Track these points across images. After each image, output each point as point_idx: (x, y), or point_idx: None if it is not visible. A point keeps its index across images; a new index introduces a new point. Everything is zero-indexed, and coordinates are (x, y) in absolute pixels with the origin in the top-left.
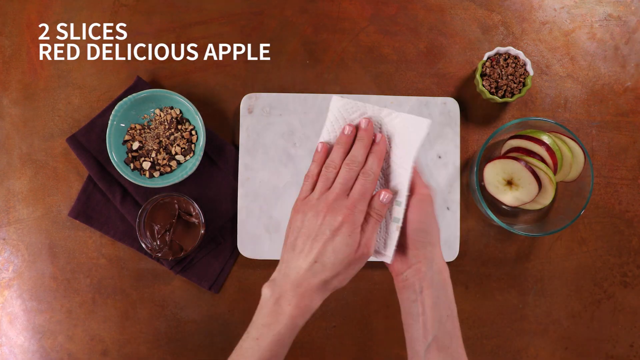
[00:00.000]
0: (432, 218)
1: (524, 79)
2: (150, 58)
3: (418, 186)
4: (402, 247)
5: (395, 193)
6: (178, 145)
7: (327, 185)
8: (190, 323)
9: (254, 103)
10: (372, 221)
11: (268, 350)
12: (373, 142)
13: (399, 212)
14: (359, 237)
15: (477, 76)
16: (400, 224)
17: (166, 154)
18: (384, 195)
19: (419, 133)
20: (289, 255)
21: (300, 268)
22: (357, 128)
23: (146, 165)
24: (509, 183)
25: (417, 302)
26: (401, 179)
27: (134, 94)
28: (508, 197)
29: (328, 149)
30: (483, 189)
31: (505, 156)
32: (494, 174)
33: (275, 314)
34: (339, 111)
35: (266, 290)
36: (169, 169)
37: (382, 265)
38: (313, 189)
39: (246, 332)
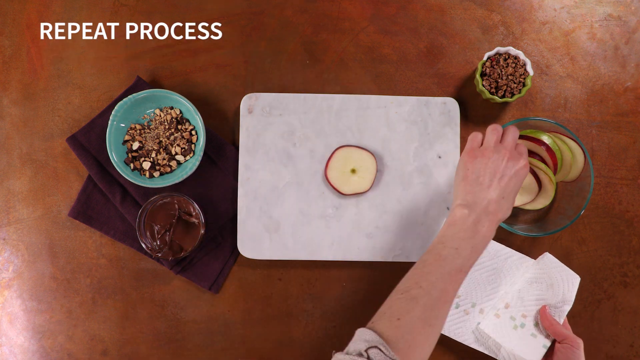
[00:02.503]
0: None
1: (524, 79)
2: (150, 58)
3: (571, 338)
4: None
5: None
6: (178, 145)
7: (498, 138)
8: (190, 323)
9: (254, 103)
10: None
11: (466, 259)
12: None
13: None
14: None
15: (477, 76)
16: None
17: (166, 154)
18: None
19: (574, 285)
20: (474, 187)
21: (490, 198)
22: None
23: (146, 165)
24: None
25: None
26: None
27: (134, 94)
28: None
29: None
30: None
31: None
32: None
33: (472, 231)
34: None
35: (464, 211)
36: (169, 169)
37: (382, 265)
38: (479, 146)
39: (440, 243)
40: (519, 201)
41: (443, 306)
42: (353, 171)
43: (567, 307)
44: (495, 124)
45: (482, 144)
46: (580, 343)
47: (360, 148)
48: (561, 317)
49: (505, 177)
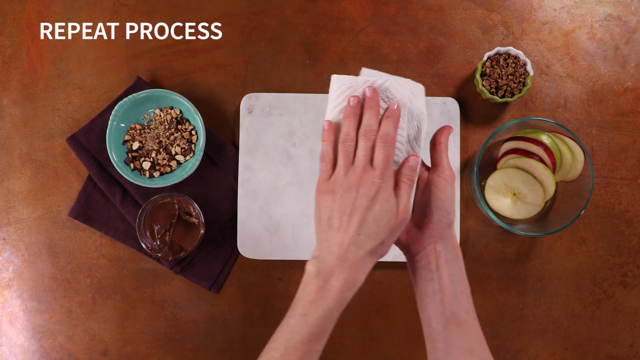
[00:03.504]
0: (454, 199)
1: (524, 79)
2: (150, 58)
3: (444, 166)
4: (420, 227)
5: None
6: (178, 145)
7: (349, 160)
8: (190, 323)
9: (254, 103)
10: (405, 187)
11: (317, 326)
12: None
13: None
14: (396, 203)
15: (477, 76)
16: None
17: (166, 154)
18: (412, 161)
19: (421, 95)
20: (328, 233)
21: (343, 242)
22: (362, 99)
23: (146, 165)
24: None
25: (433, 280)
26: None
27: (134, 94)
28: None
29: (335, 126)
30: (483, 189)
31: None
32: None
33: (323, 290)
34: (339, 87)
35: (311, 267)
36: (169, 169)
37: (382, 265)
38: (333, 167)
39: (291, 309)
40: (526, 213)
41: None
42: None
43: (425, 126)
44: (346, 137)
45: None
46: (449, 172)
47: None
48: (420, 137)
49: (358, 210)
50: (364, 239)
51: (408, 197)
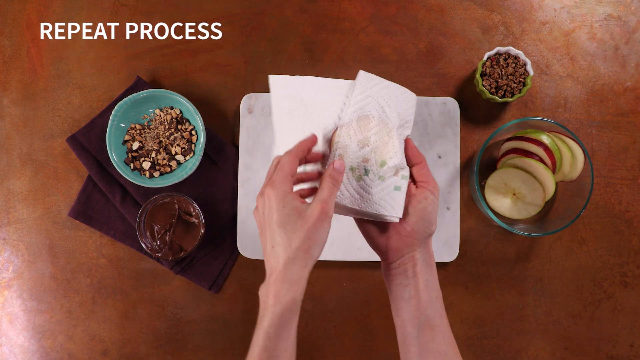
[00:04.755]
0: (436, 211)
1: (524, 79)
2: (150, 58)
3: (429, 180)
4: (402, 235)
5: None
6: (178, 145)
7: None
8: (190, 323)
9: (254, 103)
10: (328, 185)
11: (262, 349)
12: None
13: (404, 178)
14: (298, 204)
15: (477, 76)
16: (405, 189)
17: (166, 154)
18: (339, 164)
19: (411, 104)
20: (264, 257)
21: (268, 260)
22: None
23: (146, 165)
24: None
25: (409, 285)
26: (400, 147)
27: (134, 94)
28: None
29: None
30: (483, 189)
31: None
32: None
33: (262, 311)
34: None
35: (259, 292)
36: (169, 169)
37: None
38: None
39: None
40: (526, 213)
41: None
42: None
43: (408, 131)
44: (278, 157)
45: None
46: (437, 187)
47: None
48: (401, 144)
49: (265, 225)
50: (280, 250)
51: (330, 195)
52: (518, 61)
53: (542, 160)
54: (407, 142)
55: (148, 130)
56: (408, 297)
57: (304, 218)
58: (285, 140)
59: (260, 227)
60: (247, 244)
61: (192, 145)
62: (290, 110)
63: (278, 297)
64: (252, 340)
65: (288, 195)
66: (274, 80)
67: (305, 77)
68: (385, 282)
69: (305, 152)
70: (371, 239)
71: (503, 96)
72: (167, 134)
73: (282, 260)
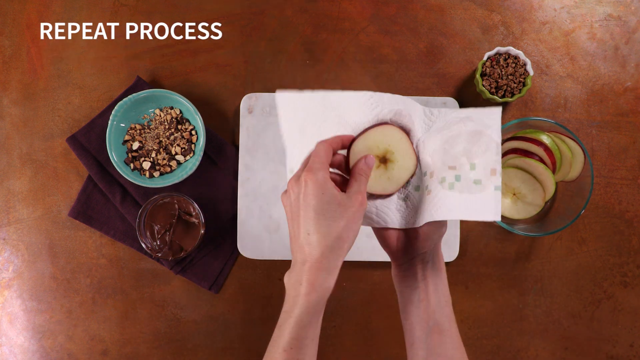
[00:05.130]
0: None
1: (524, 79)
2: (150, 58)
3: None
4: (413, 237)
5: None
6: (178, 145)
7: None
8: (190, 323)
9: (254, 103)
10: (359, 178)
11: (291, 335)
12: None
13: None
14: (336, 192)
15: (477, 76)
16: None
17: (166, 154)
18: (369, 158)
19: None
20: (292, 244)
21: (301, 247)
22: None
23: (146, 165)
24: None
25: (419, 288)
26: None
27: (134, 94)
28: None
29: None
30: None
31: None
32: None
33: (293, 298)
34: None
35: (286, 278)
36: (169, 169)
37: (382, 265)
38: None
39: (279, 320)
40: (526, 213)
41: None
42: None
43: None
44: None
45: None
46: None
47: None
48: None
49: (300, 211)
50: (315, 238)
51: (360, 186)
52: (518, 61)
53: (542, 160)
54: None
55: (148, 130)
56: (417, 301)
57: (344, 207)
58: (297, 158)
59: (291, 212)
60: (247, 244)
61: (192, 145)
62: (302, 127)
63: (314, 286)
64: (278, 327)
65: (328, 182)
66: (282, 97)
67: (315, 92)
68: (395, 284)
69: (339, 146)
70: (383, 238)
71: (503, 96)
72: (167, 134)
73: (319, 249)
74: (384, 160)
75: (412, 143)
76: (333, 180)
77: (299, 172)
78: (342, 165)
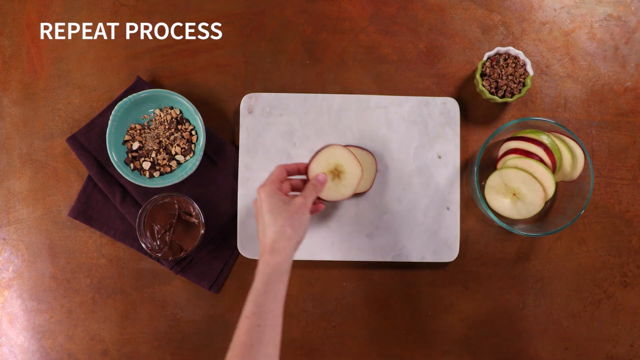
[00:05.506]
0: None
1: (524, 79)
2: (150, 58)
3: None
4: None
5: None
6: (178, 145)
7: None
8: (190, 323)
9: (254, 103)
10: (310, 189)
11: (250, 304)
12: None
13: None
14: (283, 197)
15: (477, 76)
16: None
17: (166, 154)
18: (322, 177)
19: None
20: (259, 244)
21: (262, 243)
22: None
23: (146, 165)
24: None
25: None
26: None
27: (134, 94)
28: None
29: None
30: (483, 189)
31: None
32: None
33: (255, 276)
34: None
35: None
36: (169, 169)
37: (382, 265)
38: None
39: None
40: (526, 213)
41: (249, 357)
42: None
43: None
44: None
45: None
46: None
47: (360, 148)
48: None
49: (258, 214)
50: (267, 230)
51: (309, 195)
52: (518, 61)
53: (542, 160)
54: None
55: (148, 130)
56: None
57: (288, 205)
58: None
59: (257, 221)
60: (247, 244)
61: (192, 145)
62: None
63: (266, 262)
64: (245, 302)
65: (275, 191)
66: None
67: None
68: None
69: (295, 171)
70: None
71: (503, 96)
72: (167, 134)
73: (270, 236)
74: (337, 173)
75: (353, 154)
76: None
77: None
78: (301, 188)
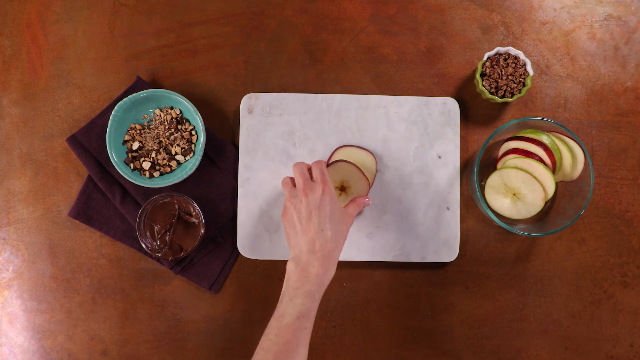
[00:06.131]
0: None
1: (524, 79)
2: (150, 58)
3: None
4: None
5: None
6: (178, 145)
7: (304, 178)
8: (190, 323)
9: (254, 103)
10: (356, 207)
11: (303, 306)
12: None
13: None
14: (342, 207)
15: (477, 76)
16: None
17: (166, 154)
18: (369, 201)
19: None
20: (295, 238)
21: (310, 240)
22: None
23: (146, 165)
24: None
25: None
26: None
27: (134, 94)
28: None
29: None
30: (483, 189)
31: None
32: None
33: (304, 277)
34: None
35: (291, 264)
36: (169, 169)
37: (382, 265)
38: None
39: (279, 301)
40: (526, 213)
41: (289, 357)
42: (342, 188)
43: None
44: (299, 163)
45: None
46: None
47: (360, 148)
48: None
49: (313, 212)
50: (327, 233)
51: (355, 209)
52: (518, 61)
53: (542, 160)
54: None
55: (148, 130)
56: None
57: (347, 216)
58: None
59: (300, 212)
60: (247, 244)
61: (192, 145)
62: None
63: (326, 270)
64: (283, 302)
65: (336, 197)
66: None
67: None
68: None
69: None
70: None
71: (503, 96)
72: (167, 134)
73: (332, 242)
74: (342, 188)
75: (361, 170)
76: None
77: (316, 181)
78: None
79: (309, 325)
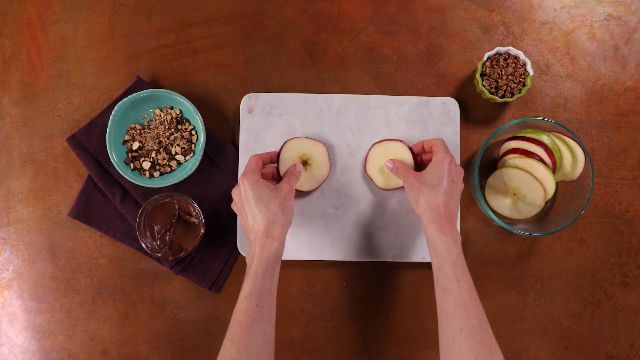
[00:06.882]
0: (444, 171)
1: (524, 79)
2: (150, 58)
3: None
4: (415, 181)
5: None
6: (178, 145)
7: None
8: (190, 323)
9: (254, 103)
10: (288, 175)
11: (248, 284)
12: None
13: None
14: (268, 184)
15: (477, 76)
16: None
17: (166, 154)
18: (297, 165)
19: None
20: (245, 232)
21: (251, 229)
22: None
23: (146, 165)
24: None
25: (430, 252)
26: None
27: (134, 94)
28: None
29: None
30: (483, 188)
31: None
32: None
33: (249, 262)
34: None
35: (246, 259)
36: (169, 169)
37: (382, 265)
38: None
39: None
40: (526, 213)
41: (243, 335)
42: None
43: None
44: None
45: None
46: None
47: (396, 140)
48: None
49: (244, 204)
50: (258, 217)
51: (288, 180)
52: (518, 61)
53: (542, 160)
54: None
55: (148, 130)
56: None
57: (275, 192)
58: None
59: (239, 210)
60: (247, 244)
61: (192, 145)
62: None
63: (264, 247)
64: (242, 285)
65: (259, 180)
66: None
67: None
68: None
69: (268, 160)
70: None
71: (503, 96)
72: (167, 134)
73: (263, 223)
74: (304, 163)
75: (326, 148)
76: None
77: (238, 181)
78: (274, 174)
79: (260, 302)
